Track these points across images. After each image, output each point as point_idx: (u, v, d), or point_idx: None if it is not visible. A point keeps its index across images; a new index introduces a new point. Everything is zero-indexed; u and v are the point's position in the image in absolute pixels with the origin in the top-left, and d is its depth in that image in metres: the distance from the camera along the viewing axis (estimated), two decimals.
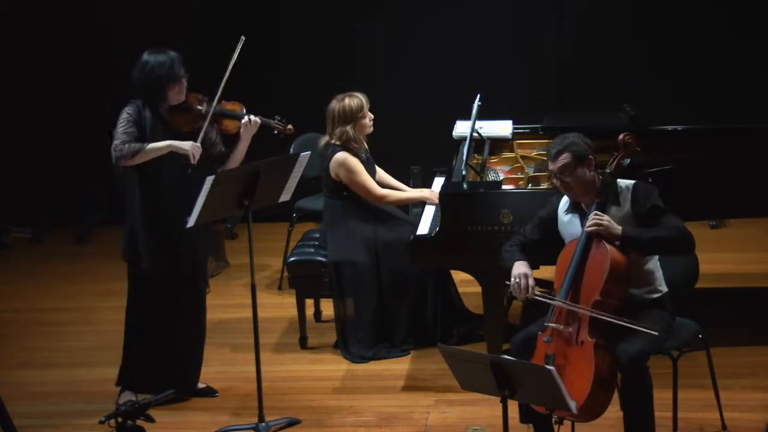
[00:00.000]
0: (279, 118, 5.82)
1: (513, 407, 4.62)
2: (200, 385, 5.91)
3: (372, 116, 6.35)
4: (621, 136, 4.92)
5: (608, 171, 4.85)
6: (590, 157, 4.82)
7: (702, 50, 8.53)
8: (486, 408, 5.44)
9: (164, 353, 5.70)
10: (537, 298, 4.83)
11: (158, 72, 5.51)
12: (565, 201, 4.97)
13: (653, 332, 4.59)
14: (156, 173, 5.55)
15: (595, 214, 4.74)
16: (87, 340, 6.80)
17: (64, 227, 8.96)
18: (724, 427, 5.24)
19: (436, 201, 6.24)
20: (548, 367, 4.14)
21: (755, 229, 8.13)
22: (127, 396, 5.68)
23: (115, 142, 5.48)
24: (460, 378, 4.43)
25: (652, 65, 8.62)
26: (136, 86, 5.55)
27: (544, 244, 5.03)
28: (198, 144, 5.50)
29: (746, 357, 6.02)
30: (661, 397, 4.72)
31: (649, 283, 4.88)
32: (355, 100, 6.29)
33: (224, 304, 7.26)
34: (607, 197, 4.83)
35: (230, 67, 5.58)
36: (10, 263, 8.50)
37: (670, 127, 6.13)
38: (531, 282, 4.85)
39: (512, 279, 4.87)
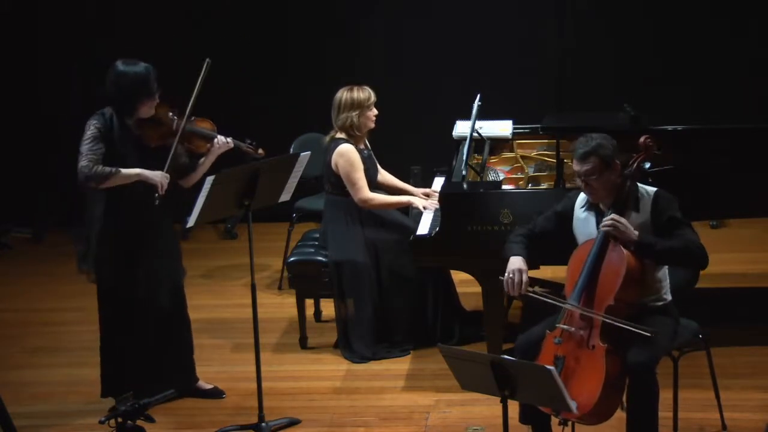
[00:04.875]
0: (250, 141, 5.75)
1: (513, 407, 4.61)
2: (208, 386, 5.91)
3: (376, 112, 6.36)
4: (642, 139, 4.81)
5: (628, 173, 4.76)
6: (616, 161, 4.75)
7: (702, 49, 8.52)
8: (486, 408, 5.44)
9: (148, 357, 5.66)
10: (530, 295, 4.79)
11: (135, 85, 5.41)
12: (582, 198, 4.91)
13: (647, 333, 4.54)
14: (123, 189, 5.46)
15: (613, 216, 4.68)
16: (87, 340, 6.77)
17: (64, 227, 8.95)
18: (724, 427, 5.24)
19: (421, 206, 6.25)
20: (548, 367, 4.12)
21: (755, 229, 8.12)
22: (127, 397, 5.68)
23: (82, 162, 5.37)
24: (460, 378, 4.43)
25: (652, 65, 8.62)
26: (111, 97, 5.46)
27: (552, 241, 4.98)
28: (167, 174, 5.43)
29: (746, 357, 6.02)
30: (661, 397, 4.71)
31: (656, 291, 4.85)
32: (364, 91, 6.33)
33: (224, 304, 7.26)
34: (626, 201, 4.76)
35: (197, 89, 5.50)
36: (10, 263, 8.49)
37: (670, 127, 6.12)
38: (525, 278, 4.79)
39: (506, 274, 4.82)
